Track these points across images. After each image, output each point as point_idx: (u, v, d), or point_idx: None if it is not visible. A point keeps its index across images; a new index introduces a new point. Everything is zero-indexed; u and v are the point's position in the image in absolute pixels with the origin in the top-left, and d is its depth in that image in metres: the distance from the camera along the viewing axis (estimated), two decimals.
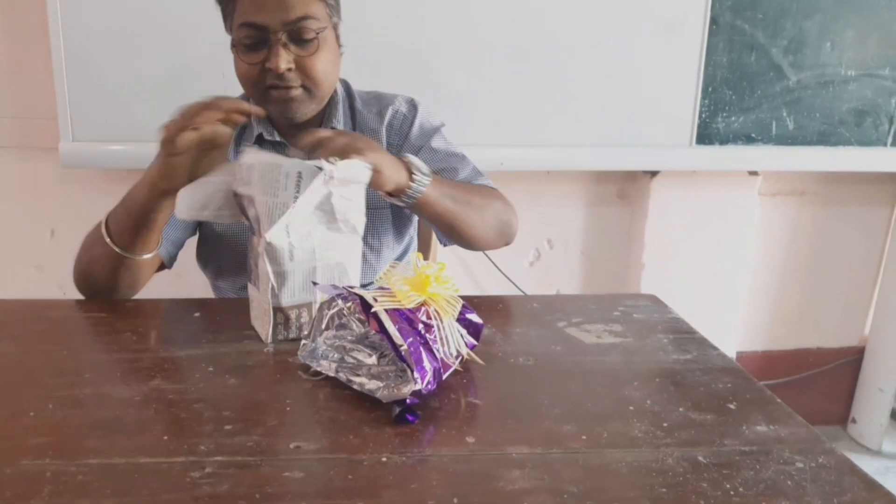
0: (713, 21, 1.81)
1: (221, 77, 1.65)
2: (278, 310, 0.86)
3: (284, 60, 1.03)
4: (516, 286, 1.84)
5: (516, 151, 1.80)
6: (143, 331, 0.91)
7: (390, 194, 0.96)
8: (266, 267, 0.84)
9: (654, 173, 1.92)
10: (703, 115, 1.85)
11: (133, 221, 0.97)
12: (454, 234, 1.09)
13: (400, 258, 1.25)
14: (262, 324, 0.87)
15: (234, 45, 1.08)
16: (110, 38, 1.63)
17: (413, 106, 1.21)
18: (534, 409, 0.72)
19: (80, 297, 1.05)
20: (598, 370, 0.82)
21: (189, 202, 0.89)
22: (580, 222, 1.99)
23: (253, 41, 1.04)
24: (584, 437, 0.67)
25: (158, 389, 0.74)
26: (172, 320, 0.96)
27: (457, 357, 0.76)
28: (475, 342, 0.80)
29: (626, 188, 1.99)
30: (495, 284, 1.91)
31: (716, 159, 1.89)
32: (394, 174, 0.93)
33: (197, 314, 0.96)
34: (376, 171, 0.89)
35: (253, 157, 0.86)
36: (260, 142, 1.18)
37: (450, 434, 0.67)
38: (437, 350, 0.72)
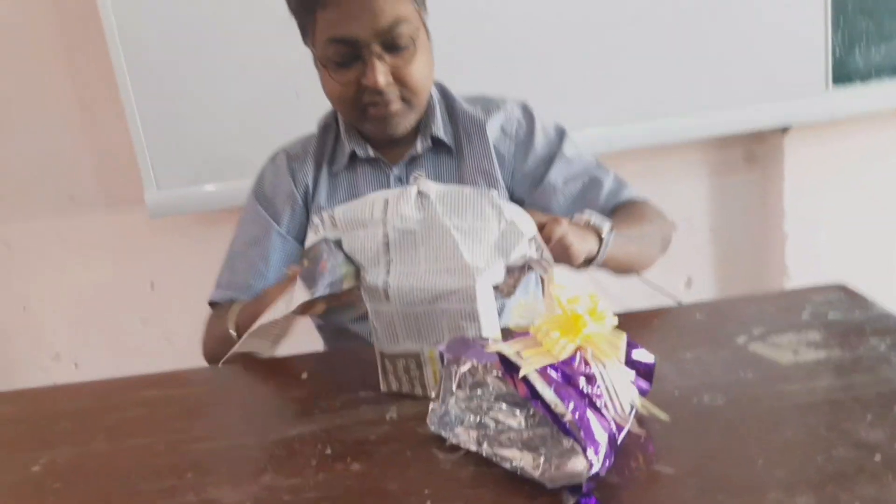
0: None
1: (296, 98, 1.55)
2: (384, 356, 0.75)
3: (382, 75, 0.92)
4: (642, 278, 1.64)
5: (624, 128, 1.60)
6: (246, 405, 0.79)
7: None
8: (367, 305, 0.74)
9: (785, 129, 1.67)
10: (838, 52, 1.59)
11: None
12: (625, 273, 0.97)
13: None
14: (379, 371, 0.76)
15: (321, 63, 0.97)
16: (179, 81, 1.56)
17: (528, 111, 1.09)
18: (747, 472, 0.54)
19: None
20: (812, 403, 0.63)
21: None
22: (705, 196, 1.76)
23: (344, 57, 0.93)
24: None
25: (270, 488, 0.61)
26: (278, 387, 0.84)
27: (630, 411, 0.59)
28: (648, 385, 0.63)
29: (753, 150, 1.74)
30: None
31: (858, 100, 1.62)
32: (584, 246, 0.81)
33: (304, 375, 0.84)
34: (565, 248, 0.78)
35: (338, 208, 0.77)
36: (353, 159, 1.07)
37: None
38: (607, 409, 0.56)
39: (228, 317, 0.95)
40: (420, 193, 0.72)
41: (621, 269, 0.95)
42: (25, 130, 1.68)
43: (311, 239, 0.77)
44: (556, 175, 1.05)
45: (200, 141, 1.60)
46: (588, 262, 0.85)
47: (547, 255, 0.73)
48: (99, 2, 1.49)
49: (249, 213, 1.11)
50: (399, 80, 0.95)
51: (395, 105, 0.97)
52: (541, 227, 0.76)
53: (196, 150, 1.60)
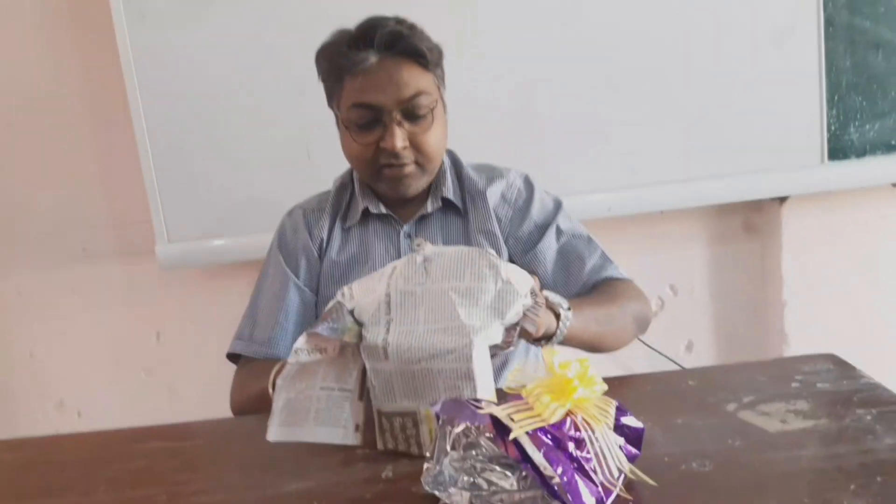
0: (828, 22, 1.61)
1: (307, 159, 1.61)
2: (381, 414, 0.77)
3: (400, 139, 1.00)
4: (642, 342, 1.65)
5: (624, 194, 1.64)
6: (246, 459, 0.80)
7: (536, 340, 0.86)
8: (366, 363, 0.76)
9: (783, 199, 1.71)
10: (833, 128, 1.64)
11: None
12: (595, 351, 0.98)
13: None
14: (375, 429, 0.78)
15: (343, 125, 1.04)
16: (194, 139, 1.62)
17: (529, 182, 1.15)
18: None
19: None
20: (798, 471, 0.65)
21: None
22: (704, 263, 1.79)
23: (366, 121, 1.01)
24: None
25: None
26: (276, 442, 0.86)
27: (618, 476, 0.61)
28: (637, 451, 0.65)
29: (752, 219, 1.78)
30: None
31: (853, 174, 1.66)
32: (545, 319, 0.83)
33: None
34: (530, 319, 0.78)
35: (355, 283, 0.79)
36: (366, 215, 1.12)
37: None
38: (596, 473, 0.58)
39: (271, 376, 0.93)
40: (425, 259, 0.76)
41: (586, 347, 0.96)
42: (42, 181, 1.74)
43: (328, 307, 0.80)
44: (547, 244, 1.09)
45: (212, 197, 1.64)
46: (548, 339, 0.86)
47: (540, 300, 0.76)
48: (122, 59, 1.56)
49: (271, 267, 1.15)
50: (415, 145, 1.02)
51: (409, 168, 1.04)
52: None
53: (208, 205, 1.65)
